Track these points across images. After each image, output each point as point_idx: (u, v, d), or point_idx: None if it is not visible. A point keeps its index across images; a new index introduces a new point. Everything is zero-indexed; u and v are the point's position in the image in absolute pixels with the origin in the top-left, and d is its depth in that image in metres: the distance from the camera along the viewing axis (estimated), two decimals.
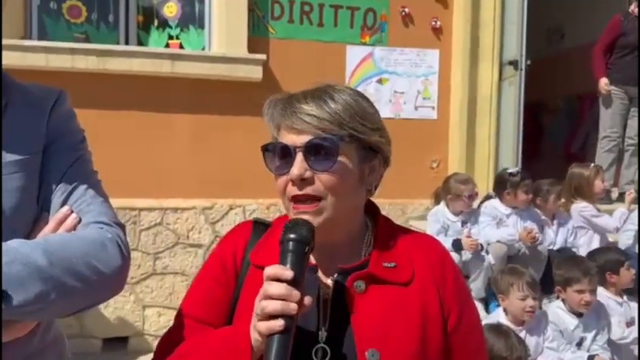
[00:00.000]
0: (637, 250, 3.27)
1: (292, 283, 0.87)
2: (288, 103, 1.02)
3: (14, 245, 0.86)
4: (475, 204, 3.89)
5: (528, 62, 4.65)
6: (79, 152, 1.04)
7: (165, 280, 4.01)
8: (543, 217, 3.90)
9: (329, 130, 0.98)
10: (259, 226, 1.13)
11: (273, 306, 0.86)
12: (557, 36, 7.28)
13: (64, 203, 0.97)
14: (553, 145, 7.38)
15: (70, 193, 0.98)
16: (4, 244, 0.86)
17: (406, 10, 4.44)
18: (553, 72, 6.92)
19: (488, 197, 3.98)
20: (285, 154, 1.00)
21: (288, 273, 0.88)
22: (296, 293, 0.87)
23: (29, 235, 0.94)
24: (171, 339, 1.05)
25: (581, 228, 3.96)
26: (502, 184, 3.81)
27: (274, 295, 0.87)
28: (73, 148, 1.03)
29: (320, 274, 1.04)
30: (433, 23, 4.50)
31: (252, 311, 0.92)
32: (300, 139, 0.99)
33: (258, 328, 0.87)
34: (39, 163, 0.98)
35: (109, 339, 3.91)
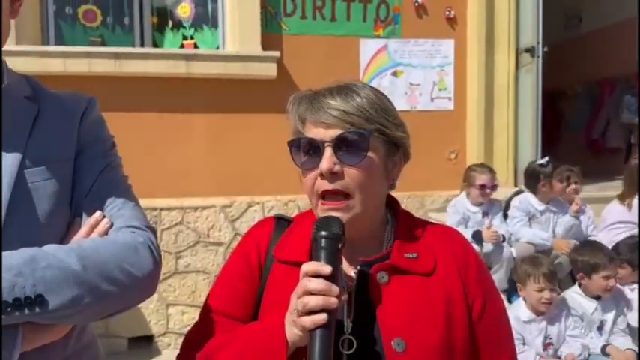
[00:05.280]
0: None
1: (330, 278, 0.89)
2: (314, 98, 1.03)
3: (50, 250, 0.88)
4: (498, 195, 3.85)
5: (545, 49, 4.58)
6: (109, 158, 1.06)
7: (187, 278, 4.05)
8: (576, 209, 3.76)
9: (357, 124, 0.99)
10: (281, 222, 1.15)
11: (315, 301, 0.87)
12: (575, 20, 7.16)
13: (96, 208, 0.99)
14: (573, 132, 7.27)
15: (102, 198, 1.00)
16: (40, 249, 0.88)
17: (419, 1, 4.40)
18: (571, 57, 6.80)
19: (518, 192, 3.93)
20: (313, 148, 1.01)
21: (326, 269, 0.89)
22: (335, 288, 0.89)
23: (63, 239, 0.96)
24: (199, 334, 1.06)
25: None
26: (535, 178, 3.75)
27: (315, 291, 0.88)
28: (103, 154, 1.05)
29: (344, 265, 1.05)
30: (447, 13, 4.46)
31: (279, 305, 0.93)
32: (329, 134, 0.99)
33: (302, 322, 0.88)
34: (71, 170, 1.00)
35: (135, 338, 3.97)
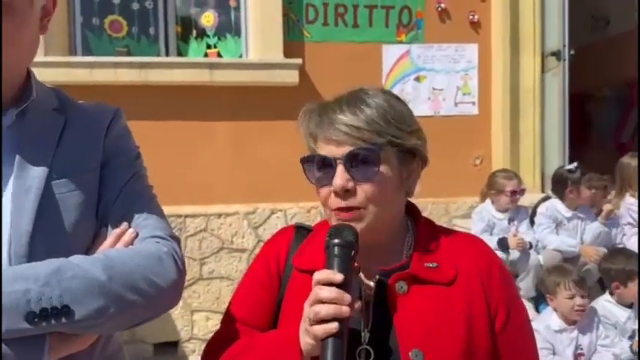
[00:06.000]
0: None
1: (342, 286, 0.88)
2: (324, 113, 1.02)
3: (76, 261, 0.89)
4: (524, 201, 3.78)
5: (572, 52, 4.50)
6: (134, 168, 1.07)
7: (211, 284, 4.08)
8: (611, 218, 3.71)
9: (368, 139, 0.98)
10: (301, 230, 1.15)
11: (327, 310, 0.87)
12: (602, 22, 7.02)
13: (121, 219, 1.00)
14: (601, 136, 7.11)
15: (128, 208, 1.01)
16: (66, 259, 0.89)
17: (442, 5, 4.37)
18: (598, 60, 6.66)
19: (545, 198, 3.86)
20: (325, 165, 1.00)
21: (338, 277, 0.89)
22: (347, 297, 0.88)
23: (89, 250, 0.97)
24: (219, 341, 1.07)
25: (631, 225, 3.78)
26: (562, 183, 3.68)
27: (326, 299, 0.87)
28: (129, 164, 1.06)
29: (361, 275, 1.04)
30: (471, 17, 4.42)
31: (297, 314, 0.93)
32: (340, 150, 0.99)
33: (314, 331, 0.87)
34: (97, 180, 1.01)
35: (160, 344, 4.01)
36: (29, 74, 1.01)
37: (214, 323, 4.01)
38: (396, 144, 1.00)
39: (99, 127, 1.05)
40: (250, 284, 1.12)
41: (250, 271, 1.15)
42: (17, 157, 0.94)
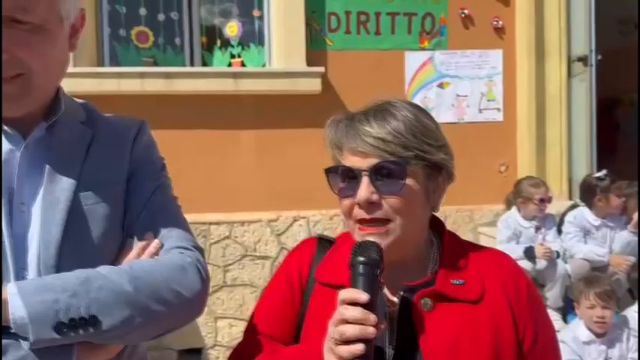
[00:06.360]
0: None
1: (367, 306, 0.87)
2: (350, 124, 1.01)
3: (103, 272, 0.91)
4: (551, 209, 3.72)
5: (599, 57, 4.41)
6: (160, 180, 1.09)
7: (235, 292, 4.10)
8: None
9: (395, 152, 0.97)
10: (323, 242, 1.14)
11: (352, 331, 0.85)
12: (630, 26, 6.87)
13: (147, 230, 1.02)
14: (630, 143, 6.94)
15: (153, 219, 1.03)
16: (94, 270, 0.91)
17: (466, 11, 4.34)
18: (627, 65, 6.52)
19: (573, 206, 3.79)
20: (350, 176, 0.99)
21: (363, 297, 0.87)
22: (373, 317, 0.86)
23: (115, 260, 0.99)
24: (241, 353, 1.07)
25: None
26: (591, 191, 3.61)
27: (351, 319, 0.86)
28: (154, 176, 1.08)
29: (385, 291, 1.03)
30: (494, 23, 4.38)
31: (320, 328, 0.92)
32: (366, 162, 0.98)
33: (339, 352, 0.86)
34: (123, 192, 1.03)
35: (184, 350, 4.04)
36: (58, 89, 1.04)
37: (238, 330, 4.03)
38: (422, 158, 0.99)
39: (125, 139, 1.08)
40: (273, 297, 1.12)
41: (273, 283, 1.15)
42: (47, 170, 0.97)
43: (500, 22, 4.38)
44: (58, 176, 0.97)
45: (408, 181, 0.98)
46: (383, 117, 0.99)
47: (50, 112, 1.01)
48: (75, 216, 0.96)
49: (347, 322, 0.86)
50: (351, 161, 1.00)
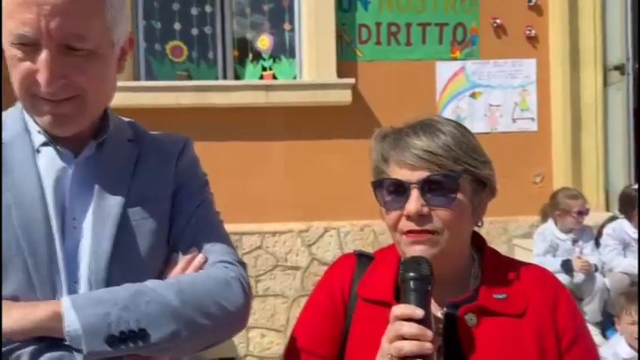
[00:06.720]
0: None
1: (422, 322, 0.87)
2: (398, 137, 1.02)
3: (151, 286, 0.94)
4: (588, 221, 3.63)
5: (636, 66, 4.31)
6: (203, 195, 1.11)
7: (266, 302, 4.12)
8: None
9: (445, 165, 0.98)
10: (362, 258, 1.14)
11: (410, 346, 0.86)
12: None
13: (191, 244, 1.04)
14: None
15: (197, 234, 1.05)
16: (143, 284, 0.94)
17: (498, 21, 4.31)
18: None
19: (612, 218, 3.70)
20: (397, 189, 1.00)
21: (418, 312, 0.88)
22: (429, 332, 0.87)
23: (161, 274, 1.01)
24: None
25: None
26: (630, 203, 3.53)
27: (408, 335, 0.86)
28: (198, 191, 1.11)
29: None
30: (528, 32, 4.33)
31: (366, 345, 0.92)
32: (416, 175, 0.98)
33: None
34: (169, 207, 1.06)
35: None
36: (106, 108, 1.08)
37: (269, 340, 4.05)
38: (470, 172, 1.00)
39: (170, 156, 1.11)
40: (314, 313, 1.12)
41: (313, 300, 1.15)
42: (96, 187, 1.00)
43: (534, 31, 4.33)
44: (108, 193, 1.00)
45: (459, 194, 0.98)
46: (431, 131, 1.00)
47: (99, 130, 1.05)
48: (124, 231, 0.99)
49: (403, 338, 0.86)
50: (399, 174, 1.00)
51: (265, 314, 4.11)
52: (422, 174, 0.98)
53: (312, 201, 4.19)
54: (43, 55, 0.90)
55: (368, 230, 4.13)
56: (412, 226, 0.98)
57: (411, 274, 0.91)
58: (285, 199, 4.21)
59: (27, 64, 0.91)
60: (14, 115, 1.04)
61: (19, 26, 0.89)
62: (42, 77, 0.90)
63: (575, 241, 3.54)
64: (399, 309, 0.89)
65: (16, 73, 0.93)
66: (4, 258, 0.92)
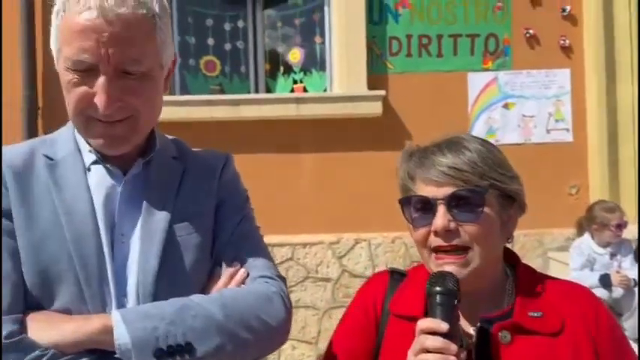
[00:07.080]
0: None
1: (447, 336, 0.88)
2: (424, 155, 1.03)
3: (197, 300, 0.96)
4: (626, 234, 3.54)
5: None
6: (244, 211, 1.14)
7: (297, 313, 4.13)
8: None
9: (470, 180, 0.98)
10: (395, 275, 1.15)
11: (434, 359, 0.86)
12: None
13: (233, 259, 1.06)
14: None
15: (239, 249, 1.08)
16: (188, 298, 0.96)
17: (531, 31, 4.26)
18: None
19: None
20: (424, 206, 1.01)
21: (443, 326, 0.88)
22: (453, 346, 0.87)
23: (205, 288, 1.03)
24: None
25: None
26: None
27: (432, 349, 0.87)
28: (239, 207, 1.14)
29: (461, 322, 1.02)
30: (562, 42, 4.27)
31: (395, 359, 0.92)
32: (442, 191, 0.99)
33: None
34: (212, 222, 1.09)
35: None
36: (152, 127, 1.12)
37: (300, 352, 4.05)
38: (497, 187, 1.00)
39: (212, 172, 1.14)
40: (349, 329, 1.14)
41: (348, 316, 1.16)
42: (144, 204, 1.04)
43: (568, 41, 4.27)
44: (154, 209, 1.04)
45: (485, 209, 0.99)
46: (457, 148, 1.01)
47: (146, 149, 1.08)
48: (170, 247, 1.02)
49: (427, 351, 0.87)
50: (425, 191, 1.01)
51: (296, 326, 4.12)
52: (448, 190, 0.99)
53: (343, 213, 4.20)
54: (101, 80, 0.94)
55: (399, 242, 4.12)
56: (440, 242, 0.99)
57: (437, 288, 0.92)
58: (316, 210, 4.23)
59: (84, 88, 0.96)
60: (66, 135, 1.08)
61: (78, 53, 0.93)
62: (100, 100, 0.95)
63: (613, 255, 3.46)
64: (424, 322, 0.90)
65: (72, 96, 0.97)
66: (55, 272, 0.96)
